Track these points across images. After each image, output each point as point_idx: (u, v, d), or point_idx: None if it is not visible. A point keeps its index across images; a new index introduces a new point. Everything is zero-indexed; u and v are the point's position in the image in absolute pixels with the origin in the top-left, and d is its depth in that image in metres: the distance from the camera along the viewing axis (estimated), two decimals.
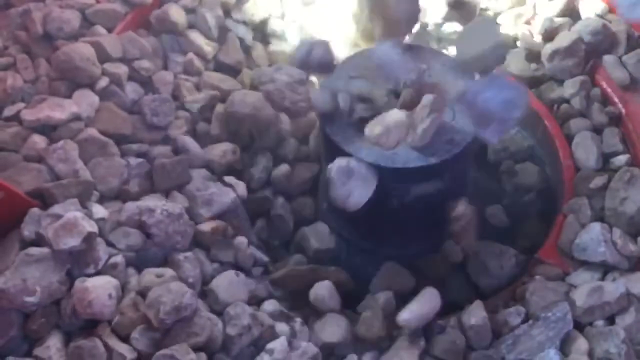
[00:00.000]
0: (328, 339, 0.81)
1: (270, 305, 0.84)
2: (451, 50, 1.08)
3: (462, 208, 0.83)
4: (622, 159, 0.94)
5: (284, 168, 1.00)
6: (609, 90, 1.01)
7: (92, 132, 0.89)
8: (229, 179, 0.92)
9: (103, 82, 0.94)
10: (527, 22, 1.14)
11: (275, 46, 1.11)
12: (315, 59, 0.85)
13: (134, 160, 0.89)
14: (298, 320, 0.82)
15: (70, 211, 0.77)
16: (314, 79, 1.04)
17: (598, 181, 0.91)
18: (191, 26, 1.08)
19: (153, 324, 0.73)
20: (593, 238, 0.86)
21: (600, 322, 0.79)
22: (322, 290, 0.84)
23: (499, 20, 1.15)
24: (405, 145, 0.80)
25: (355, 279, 0.91)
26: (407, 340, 0.78)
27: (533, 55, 1.10)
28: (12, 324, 0.72)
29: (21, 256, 0.73)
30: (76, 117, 0.89)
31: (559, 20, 1.10)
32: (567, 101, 1.03)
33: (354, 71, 0.89)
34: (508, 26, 1.14)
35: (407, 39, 0.92)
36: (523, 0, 1.16)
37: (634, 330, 0.78)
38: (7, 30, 0.97)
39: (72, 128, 0.88)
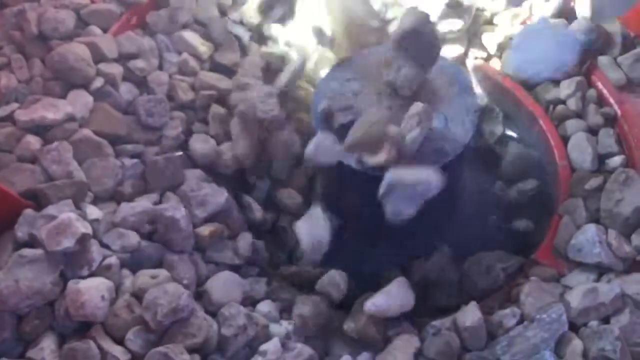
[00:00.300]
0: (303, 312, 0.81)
1: (265, 305, 0.84)
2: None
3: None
4: (617, 160, 0.94)
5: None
6: (604, 91, 1.01)
7: (87, 132, 0.89)
8: (247, 198, 0.96)
9: (98, 82, 0.93)
10: (524, 23, 1.14)
11: (269, 48, 1.11)
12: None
13: (128, 161, 0.89)
14: (293, 321, 0.82)
15: (64, 212, 0.77)
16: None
17: (593, 182, 0.91)
18: (186, 26, 1.07)
19: (150, 325, 0.73)
20: (588, 239, 0.86)
21: (594, 323, 0.79)
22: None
23: (495, 20, 1.16)
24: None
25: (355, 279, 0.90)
26: (401, 341, 0.78)
27: None
28: (5, 325, 0.72)
29: (14, 257, 0.73)
30: (70, 118, 0.88)
31: (554, 20, 1.09)
32: (563, 102, 1.03)
33: (350, 73, 0.89)
34: (504, 26, 1.14)
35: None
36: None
37: (629, 331, 0.78)
38: (2, 30, 0.97)
39: (67, 128, 0.88)
